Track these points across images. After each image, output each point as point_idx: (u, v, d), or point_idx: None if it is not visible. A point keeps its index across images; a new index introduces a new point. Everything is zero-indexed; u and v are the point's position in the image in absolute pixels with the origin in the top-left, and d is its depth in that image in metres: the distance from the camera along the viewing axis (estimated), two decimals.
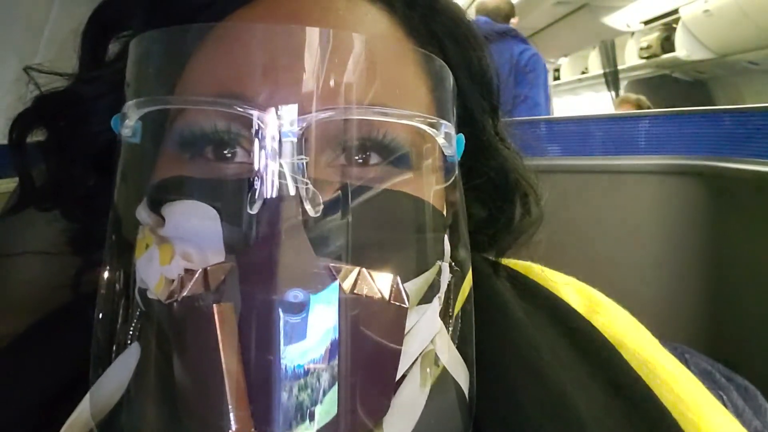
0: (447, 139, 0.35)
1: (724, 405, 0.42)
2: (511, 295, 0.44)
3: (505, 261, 0.51)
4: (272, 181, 0.28)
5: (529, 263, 0.51)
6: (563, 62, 8.81)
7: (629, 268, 0.71)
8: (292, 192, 0.28)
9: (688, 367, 0.45)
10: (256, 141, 0.29)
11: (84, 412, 0.32)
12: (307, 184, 0.28)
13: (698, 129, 0.65)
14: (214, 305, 0.27)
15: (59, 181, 0.42)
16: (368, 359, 0.30)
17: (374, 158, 0.34)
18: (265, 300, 0.27)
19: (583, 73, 8.75)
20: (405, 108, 0.33)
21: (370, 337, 0.30)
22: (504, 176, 0.45)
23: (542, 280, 0.48)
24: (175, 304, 0.29)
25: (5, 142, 0.83)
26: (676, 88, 7.29)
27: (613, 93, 8.19)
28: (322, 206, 0.29)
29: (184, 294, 0.28)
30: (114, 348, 0.32)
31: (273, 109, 0.29)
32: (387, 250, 0.32)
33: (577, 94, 10.38)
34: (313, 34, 0.29)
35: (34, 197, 0.43)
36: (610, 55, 7.38)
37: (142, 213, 0.33)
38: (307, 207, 0.28)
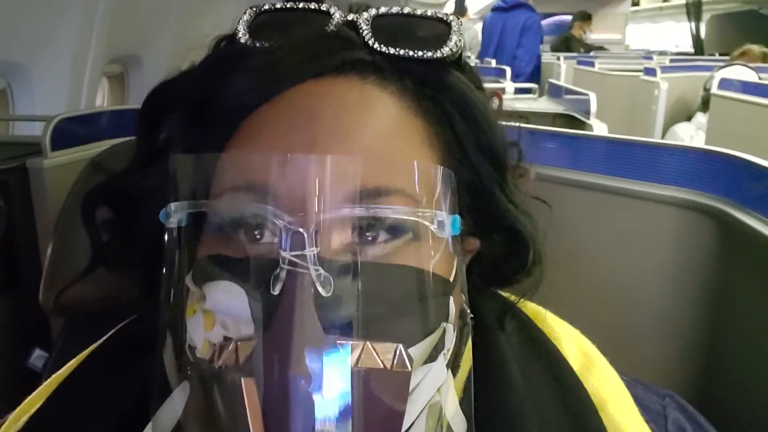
0: (440, 226, 0.39)
1: None
2: (513, 351, 0.49)
3: (516, 301, 0.52)
4: (289, 270, 0.34)
5: (538, 308, 0.54)
6: None
7: (630, 295, 0.73)
8: (306, 277, 0.34)
9: (666, 425, 0.49)
10: (278, 235, 0.36)
11: None
12: (318, 270, 0.34)
13: (721, 170, 0.65)
14: (242, 379, 0.34)
15: (122, 249, 0.50)
16: (377, 419, 0.35)
17: (381, 236, 0.39)
18: (282, 374, 0.33)
19: (665, 1, 8.22)
20: (410, 188, 0.39)
21: (377, 400, 0.35)
22: (514, 236, 0.48)
23: (547, 329, 0.52)
24: (214, 367, 0.36)
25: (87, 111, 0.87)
26: (761, 24, 6.83)
27: (693, 25, 7.72)
28: (333, 287, 0.35)
29: (220, 363, 0.35)
30: (171, 385, 0.39)
31: (292, 209, 0.36)
32: (394, 319, 0.36)
33: (656, 22, 9.84)
34: (323, 159, 0.36)
35: (104, 261, 0.52)
36: None
37: (190, 283, 0.40)
38: (320, 289, 0.34)
